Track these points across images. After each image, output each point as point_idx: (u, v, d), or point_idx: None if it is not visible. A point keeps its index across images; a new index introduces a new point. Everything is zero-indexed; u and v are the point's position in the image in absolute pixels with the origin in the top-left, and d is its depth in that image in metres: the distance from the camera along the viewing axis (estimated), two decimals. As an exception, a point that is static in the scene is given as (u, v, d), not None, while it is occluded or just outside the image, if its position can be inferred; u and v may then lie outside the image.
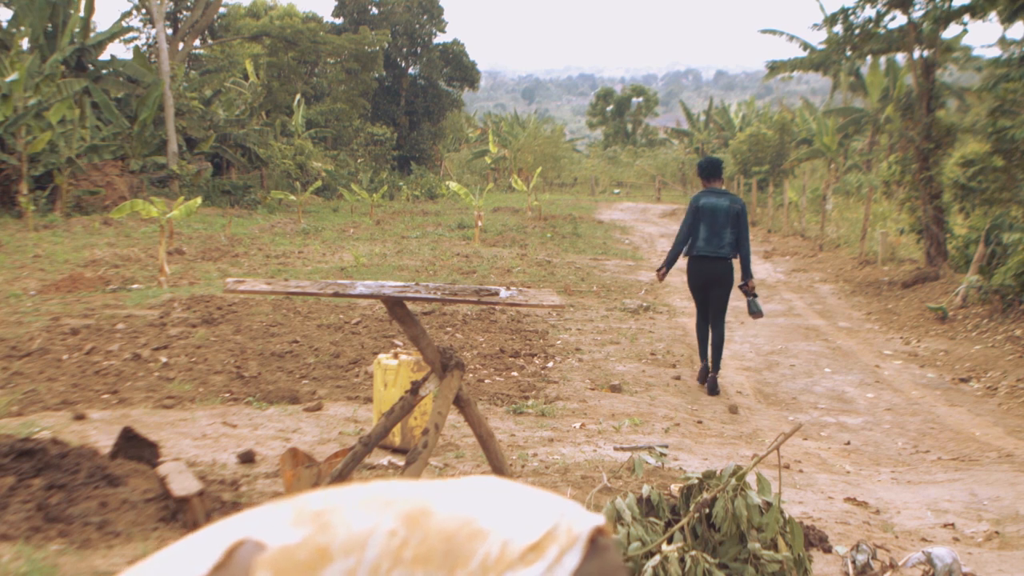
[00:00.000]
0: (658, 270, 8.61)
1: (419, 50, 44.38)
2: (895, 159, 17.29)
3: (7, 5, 26.29)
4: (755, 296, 8.41)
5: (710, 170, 8.40)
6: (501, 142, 44.79)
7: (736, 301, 9.00)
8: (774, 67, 26.58)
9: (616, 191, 44.23)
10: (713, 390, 8.32)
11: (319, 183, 30.85)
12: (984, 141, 14.28)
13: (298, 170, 32.25)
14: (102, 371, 7.72)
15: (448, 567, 1.10)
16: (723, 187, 8.43)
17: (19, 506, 4.01)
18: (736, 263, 8.30)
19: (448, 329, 9.98)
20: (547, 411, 7.11)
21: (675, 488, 4.33)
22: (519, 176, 34.27)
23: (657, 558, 3.32)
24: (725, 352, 9.18)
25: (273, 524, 1.13)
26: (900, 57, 23.95)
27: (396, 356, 5.89)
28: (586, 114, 62.84)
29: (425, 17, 44.10)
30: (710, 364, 8.46)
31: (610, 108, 56.16)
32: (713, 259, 8.13)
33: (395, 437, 5.83)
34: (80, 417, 6.28)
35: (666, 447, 6.10)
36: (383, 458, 5.76)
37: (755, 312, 8.42)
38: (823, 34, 19.53)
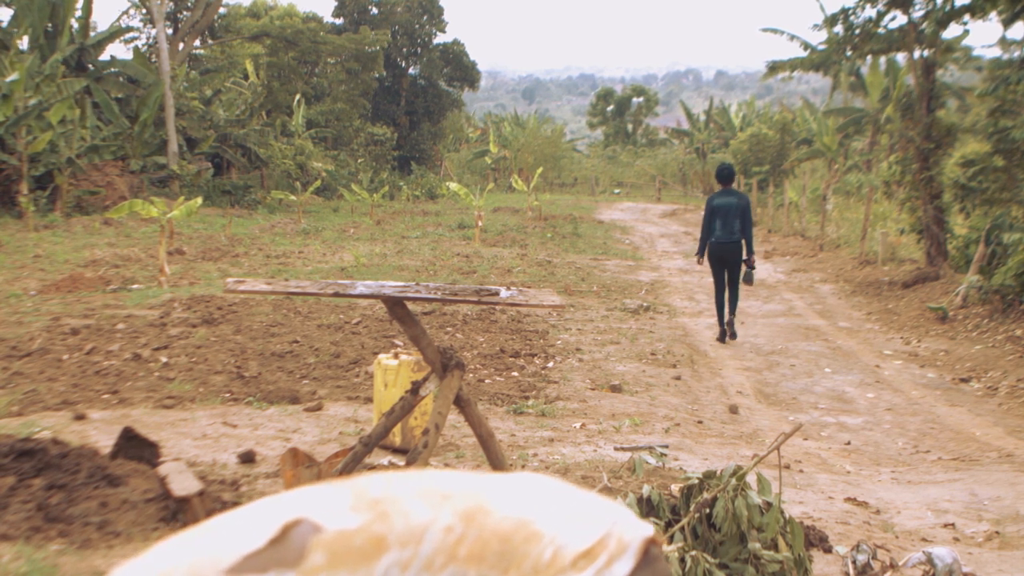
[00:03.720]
0: (696, 257, 11.11)
1: (419, 50, 44.34)
2: (895, 159, 17.27)
3: (7, 5, 26.28)
4: (753, 268, 10.84)
5: (724, 176, 10.83)
6: (501, 142, 44.73)
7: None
8: (774, 67, 26.52)
9: (616, 191, 44.20)
10: (733, 334, 10.80)
11: (319, 183, 30.82)
12: (984, 141, 14.27)
13: (298, 170, 32.23)
14: (102, 371, 7.72)
15: (501, 568, 1.11)
16: (734, 187, 10.90)
17: (19, 506, 4.01)
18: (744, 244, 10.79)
19: (448, 329, 9.98)
20: (547, 411, 7.11)
21: (675, 488, 4.33)
22: (519, 176, 34.24)
23: (657, 558, 3.31)
24: (727, 351, 10.09)
25: (332, 507, 1.13)
26: (900, 57, 23.93)
27: (396, 356, 5.89)
28: (586, 114, 62.78)
29: (425, 17, 44.07)
30: (727, 314, 10.79)
31: (610, 108, 56.10)
32: (727, 243, 10.56)
33: (395, 437, 5.83)
34: (80, 417, 6.29)
35: (666, 447, 6.10)
36: (383, 458, 5.76)
37: (748, 281, 10.85)
38: (823, 34, 19.53)
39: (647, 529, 1.18)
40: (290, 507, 1.15)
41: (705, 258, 10.80)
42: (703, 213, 10.69)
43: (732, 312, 10.88)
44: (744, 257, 10.65)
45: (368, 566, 1.08)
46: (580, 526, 1.15)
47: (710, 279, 13.43)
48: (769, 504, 3.52)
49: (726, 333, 10.79)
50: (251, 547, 1.09)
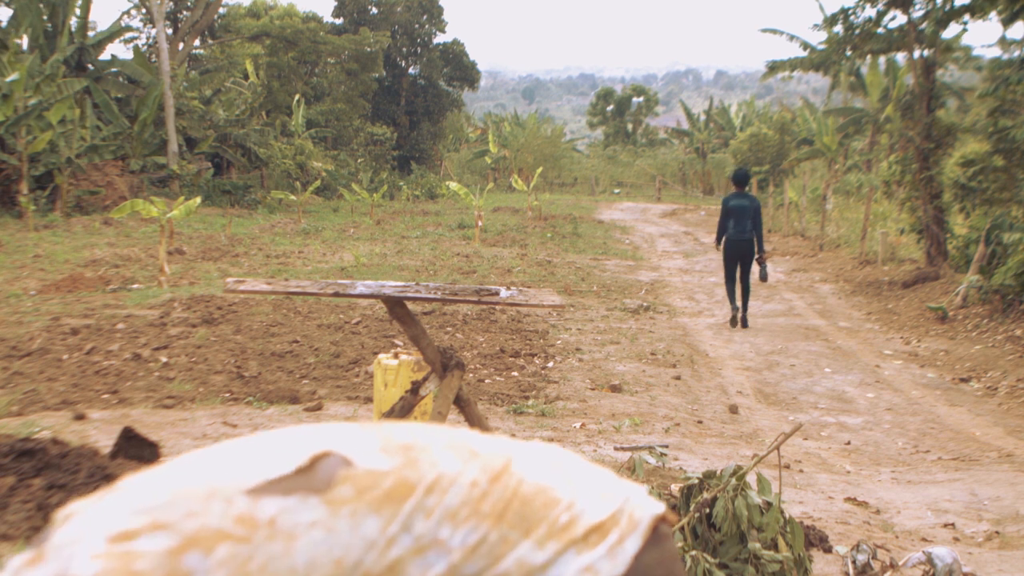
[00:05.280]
0: (715, 245, 12.35)
1: (419, 50, 44.31)
2: (895, 159, 17.26)
3: (7, 5, 26.28)
4: (766, 265, 11.93)
5: (739, 179, 12.00)
6: (501, 142, 44.74)
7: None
8: (774, 67, 26.49)
9: (616, 191, 44.18)
10: (744, 323, 11.80)
11: (319, 183, 30.81)
12: (984, 141, 14.27)
13: (298, 170, 32.22)
14: (102, 371, 7.72)
15: (521, 528, 1.13)
16: (747, 190, 12.06)
17: (19, 506, 4.01)
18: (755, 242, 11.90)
19: (448, 329, 9.98)
20: (547, 411, 7.11)
21: (675, 488, 4.33)
22: (519, 176, 34.24)
23: (657, 558, 3.31)
24: (726, 350, 10.05)
25: (361, 445, 1.16)
26: (900, 57, 23.92)
27: (396, 356, 5.89)
28: (586, 114, 62.73)
29: (425, 17, 44.04)
30: (739, 307, 11.82)
31: (610, 108, 56.08)
32: (740, 241, 11.72)
33: (395, 437, 5.83)
34: (80, 417, 6.29)
35: (666, 447, 6.10)
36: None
37: (764, 277, 11.99)
38: (823, 34, 19.49)
39: (658, 507, 1.19)
40: (318, 439, 1.16)
41: (721, 250, 12.03)
42: (717, 212, 12.27)
43: (745, 305, 11.95)
44: (758, 255, 11.74)
45: (393, 508, 1.10)
46: (595, 498, 1.18)
47: (710, 279, 13.83)
48: (769, 504, 3.52)
49: (736, 319, 11.79)
50: (277, 473, 1.10)
